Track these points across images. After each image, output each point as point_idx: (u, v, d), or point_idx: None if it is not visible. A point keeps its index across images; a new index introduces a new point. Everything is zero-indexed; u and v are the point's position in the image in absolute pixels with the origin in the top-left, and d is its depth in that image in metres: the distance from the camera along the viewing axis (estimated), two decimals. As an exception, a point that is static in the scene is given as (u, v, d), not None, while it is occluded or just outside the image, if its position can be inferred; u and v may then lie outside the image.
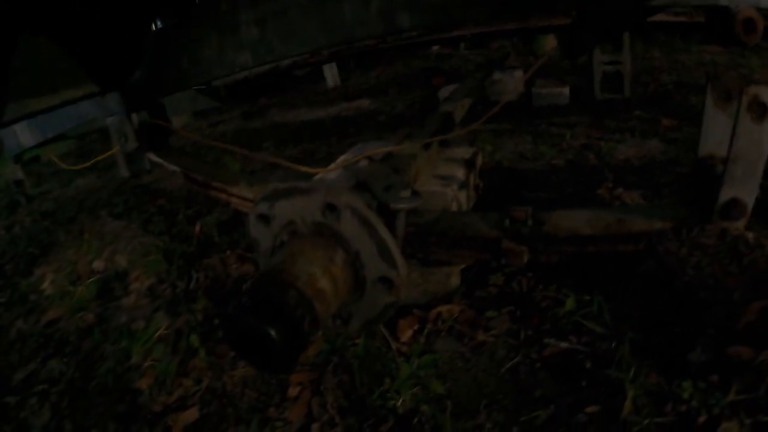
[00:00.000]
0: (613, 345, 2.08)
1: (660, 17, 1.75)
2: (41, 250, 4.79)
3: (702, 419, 1.74)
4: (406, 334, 2.35)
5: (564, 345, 2.14)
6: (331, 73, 9.55)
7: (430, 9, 1.91)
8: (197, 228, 4.19)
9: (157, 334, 2.90)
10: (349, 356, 2.31)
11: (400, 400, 2.03)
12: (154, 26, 2.77)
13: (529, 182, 3.83)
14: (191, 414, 2.33)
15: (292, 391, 2.26)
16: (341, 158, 2.56)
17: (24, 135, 4.09)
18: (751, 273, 2.32)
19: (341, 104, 7.98)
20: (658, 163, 3.81)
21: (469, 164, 2.65)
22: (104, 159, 8.01)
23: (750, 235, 2.59)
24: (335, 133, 6.37)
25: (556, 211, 1.78)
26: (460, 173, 2.51)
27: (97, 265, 4.04)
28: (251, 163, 5.56)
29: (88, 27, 2.36)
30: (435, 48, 9.96)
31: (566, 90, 5.88)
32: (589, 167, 3.95)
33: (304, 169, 2.27)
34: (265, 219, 1.53)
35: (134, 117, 2.84)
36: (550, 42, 8.22)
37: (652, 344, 2.07)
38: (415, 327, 2.39)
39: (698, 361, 1.95)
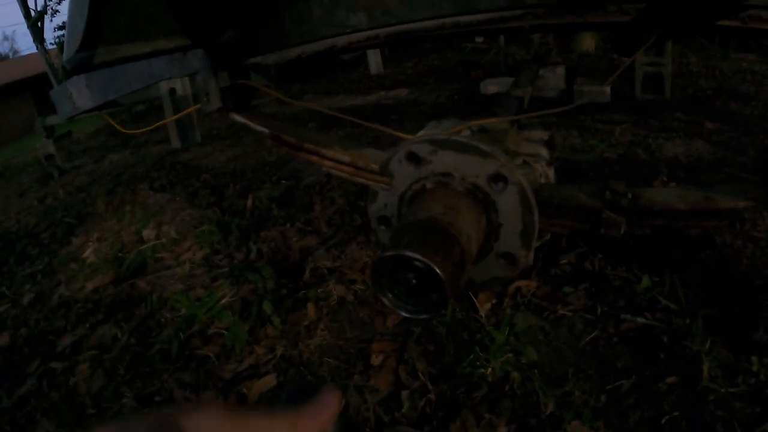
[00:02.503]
0: (686, 321, 2.19)
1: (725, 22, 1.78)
2: (78, 220, 4.88)
3: (768, 391, 1.85)
4: (485, 308, 2.44)
5: (640, 320, 2.24)
6: (374, 60, 9.60)
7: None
8: (249, 202, 4.26)
9: (222, 302, 2.91)
10: (435, 325, 2.39)
11: (490, 368, 2.11)
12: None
13: (584, 172, 3.92)
14: (269, 380, 2.32)
15: (375, 359, 2.31)
16: (422, 132, 2.61)
17: (82, 96, 3.80)
18: None
19: (379, 92, 8.05)
20: (706, 163, 3.89)
21: (549, 145, 2.72)
22: (136, 137, 8.15)
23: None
24: (378, 119, 6.42)
25: (649, 188, 1.85)
26: (543, 152, 2.59)
27: (146, 234, 4.10)
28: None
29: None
30: (477, 40, 10.02)
31: (607, 89, 5.91)
32: (640, 161, 4.04)
33: (404, 136, 2.30)
34: (415, 159, 1.57)
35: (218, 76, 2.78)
36: (588, 40, 8.28)
37: (719, 323, 2.17)
38: (493, 301, 2.48)
39: (762, 339, 2.07)
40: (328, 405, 0.63)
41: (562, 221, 1.85)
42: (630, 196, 1.75)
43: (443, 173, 1.52)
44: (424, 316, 1.30)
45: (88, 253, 4.05)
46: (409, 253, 1.19)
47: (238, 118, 2.74)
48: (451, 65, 9.19)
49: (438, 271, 1.18)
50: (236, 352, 2.53)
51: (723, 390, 1.87)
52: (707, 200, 1.78)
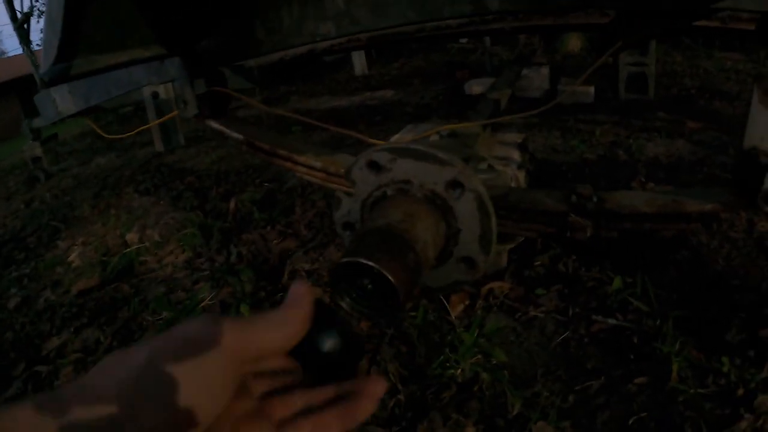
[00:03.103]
0: (657, 322, 2.20)
1: (704, 23, 1.81)
2: (65, 224, 4.87)
3: (740, 392, 1.87)
4: (458, 309, 2.45)
5: (611, 321, 2.26)
6: (359, 62, 9.61)
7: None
8: (232, 204, 4.27)
9: (202, 304, 2.92)
10: (407, 327, 2.40)
11: (460, 369, 2.12)
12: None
13: (563, 174, 3.94)
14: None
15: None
16: (396, 136, 2.63)
17: (64, 101, 3.97)
18: None
19: (365, 93, 8.05)
20: (686, 163, 3.91)
21: (522, 147, 2.75)
22: (122, 140, 8.14)
23: (775, 232, 2.72)
24: (362, 120, 6.45)
25: (616, 191, 1.87)
26: (515, 155, 2.61)
27: (130, 237, 4.10)
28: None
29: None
30: (461, 41, 10.05)
31: (591, 89, 5.96)
32: (620, 162, 4.06)
33: (374, 141, 2.32)
34: (376, 167, 1.58)
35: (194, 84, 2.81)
36: (574, 41, 8.30)
37: (691, 324, 2.19)
38: (467, 302, 2.49)
39: (734, 340, 2.09)
40: (302, 297, 0.68)
41: (529, 225, 1.87)
42: (596, 199, 1.77)
43: (403, 180, 1.53)
44: (381, 321, 1.31)
45: (74, 257, 4.04)
46: (363, 260, 1.20)
47: (214, 125, 2.76)
48: (437, 66, 9.22)
49: (390, 277, 1.19)
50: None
51: (692, 391, 1.89)
52: (674, 204, 1.80)
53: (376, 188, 1.61)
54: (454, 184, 1.48)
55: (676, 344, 2.03)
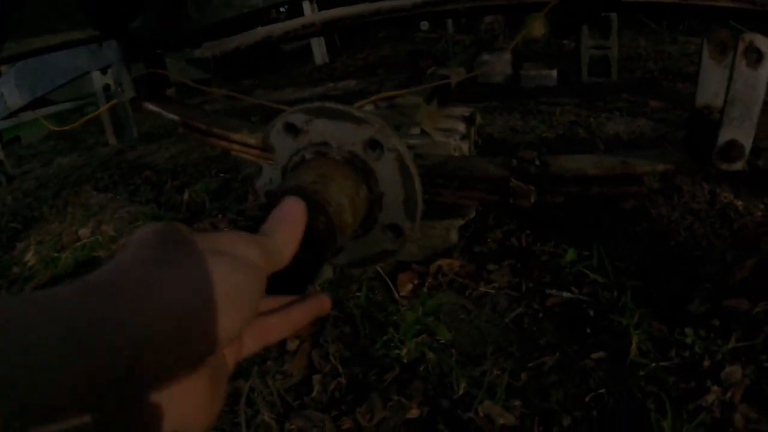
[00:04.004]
0: (615, 294, 2.11)
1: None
2: (24, 225, 4.74)
3: (706, 363, 1.77)
4: (406, 288, 2.35)
5: (566, 295, 2.16)
6: (319, 50, 9.51)
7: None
8: (186, 196, 4.19)
9: None
10: (351, 307, 2.29)
11: (405, 349, 2.02)
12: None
13: (527, 147, 3.84)
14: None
15: (291, 345, 2.22)
16: (360, 102, 2.55)
17: (12, 96, 3.93)
18: (741, 236, 2.38)
19: (328, 84, 7.96)
20: (647, 139, 3.85)
21: (468, 120, 2.65)
22: (87, 140, 7.99)
23: (739, 203, 2.65)
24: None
25: (562, 155, 1.79)
26: (461, 127, 2.52)
27: (84, 233, 4.00)
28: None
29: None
30: (423, 29, 10.00)
31: (554, 72, 5.91)
32: (579, 140, 3.99)
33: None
34: (293, 130, 1.49)
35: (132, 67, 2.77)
36: (537, 26, 8.27)
37: (651, 295, 2.10)
38: (415, 281, 2.39)
39: (698, 311, 1.99)
40: (293, 217, 0.74)
41: (470, 193, 1.78)
42: (538, 163, 1.68)
43: (320, 142, 1.43)
44: (290, 290, 1.21)
45: (29, 257, 3.94)
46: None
47: (151, 107, 2.70)
48: (402, 55, 9.12)
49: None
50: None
51: (654, 364, 1.79)
52: (623, 165, 1.72)
53: (294, 152, 1.52)
54: (372, 144, 1.38)
55: (635, 316, 1.94)
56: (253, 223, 1.03)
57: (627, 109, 4.59)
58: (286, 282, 0.74)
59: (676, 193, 2.78)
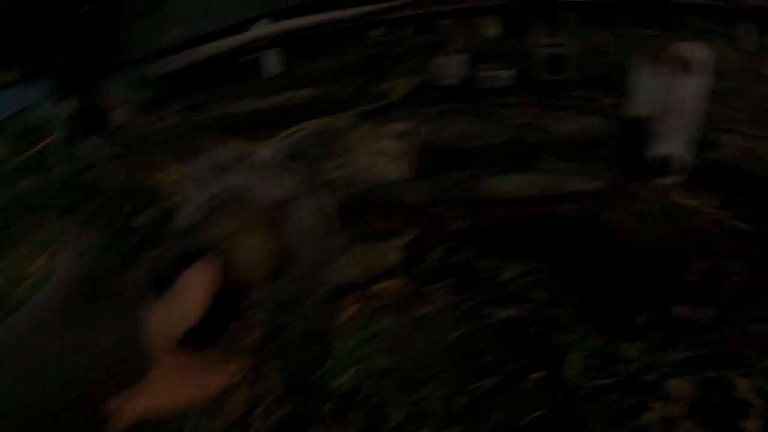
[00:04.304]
0: (556, 310, 2.08)
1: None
2: (-20, 255, 4.66)
3: (650, 378, 1.75)
4: (348, 313, 2.31)
5: (506, 313, 2.13)
6: (273, 61, 9.43)
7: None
8: (141, 219, 4.12)
9: None
10: (290, 338, 2.25)
11: (344, 378, 1.99)
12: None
13: (471, 160, 3.80)
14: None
15: (233, 378, 2.17)
16: (287, 131, 2.52)
17: None
18: (693, 237, 2.36)
19: (287, 93, 7.88)
20: (599, 137, 3.82)
21: (407, 136, 2.62)
22: (46, 158, 7.88)
23: (691, 202, 2.62)
24: (279, 122, 6.30)
25: (491, 177, 1.76)
26: (397, 146, 2.48)
27: (41, 263, 3.91)
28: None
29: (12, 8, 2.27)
30: (379, 33, 9.95)
31: (509, 72, 5.93)
32: (530, 143, 3.95)
33: (242, 145, 2.23)
34: (212, 173, 1.46)
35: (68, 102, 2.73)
36: (493, 26, 8.26)
37: (595, 308, 2.06)
38: (357, 305, 2.35)
39: (644, 321, 1.97)
40: (203, 279, 0.72)
41: (398, 220, 1.75)
42: (467, 187, 1.65)
43: (239, 188, 1.39)
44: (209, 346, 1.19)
45: (-13, 290, 3.85)
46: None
47: (91, 141, 2.66)
48: (363, 58, 9.08)
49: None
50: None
51: (594, 382, 1.77)
52: (554, 184, 1.70)
53: (212, 196, 1.49)
54: (288, 197, 1.35)
55: (575, 332, 1.91)
56: (163, 277, 1.00)
57: (581, 107, 4.61)
58: (195, 338, 0.73)
59: (628, 195, 2.77)
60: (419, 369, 2.00)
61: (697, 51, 1.63)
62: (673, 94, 1.66)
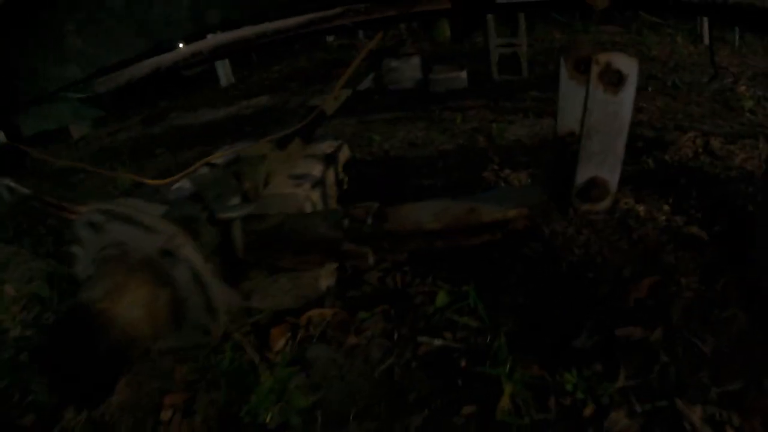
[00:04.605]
0: (488, 339, 1.98)
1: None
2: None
3: (588, 411, 1.65)
4: (279, 343, 2.21)
5: (438, 342, 2.03)
6: (224, 72, 9.34)
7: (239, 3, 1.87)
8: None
9: None
10: (219, 373, 2.15)
11: (269, 416, 1.89)
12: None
13: (415, 170, 3.74)
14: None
15: (165, 414, 2.07)
16: (194, 166, 2.44)
17: None
18: (642, 248, 2.26)
19: (241, 103, 7.80)
20: (549, 142, 3.75)
21: (329, 159, 2.53)
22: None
23: (640, 209, 2.54)
24: (232, 132, 6.20)
25: (402, 206, 1.66)
26: (316, 170, 2.39)
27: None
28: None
29: None
30: (330, 39, 9.91)
31: (463, 74, 5.89)
32: (477, 150, 3.91)
33: (149, 181, 2.13)
34: (94, 227, 1.38)
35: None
36: (445, 27, 8.24)
37: (534, 334, 1.97)
38: (288, 335, 2.25)
39: (584, 346, 1.86)
40: None
41: (306, 257, 1.65)
42: (371, 221, 1.55)
43: (119, 243, 1.31)
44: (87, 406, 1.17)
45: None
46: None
47: (8, 183, 2.58)
48: (317, 65, 9.02)
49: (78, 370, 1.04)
50: (48, 417, 2.22)
51: (528, 419, 1.67)
52: (470, 213, 1.60)
53: (99, 249, 1.41)
54: (165, 253, 1.26)
55: (508, 363, 1.81)
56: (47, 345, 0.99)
57: (534, 108, 4.56)
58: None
59: (514, 231, 2.68)
60: (347, 403, 1.90)
61: (625, 62, 1.54)
62: (601, 113, 1.56)
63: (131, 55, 1.99)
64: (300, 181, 2.23)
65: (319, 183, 2.34)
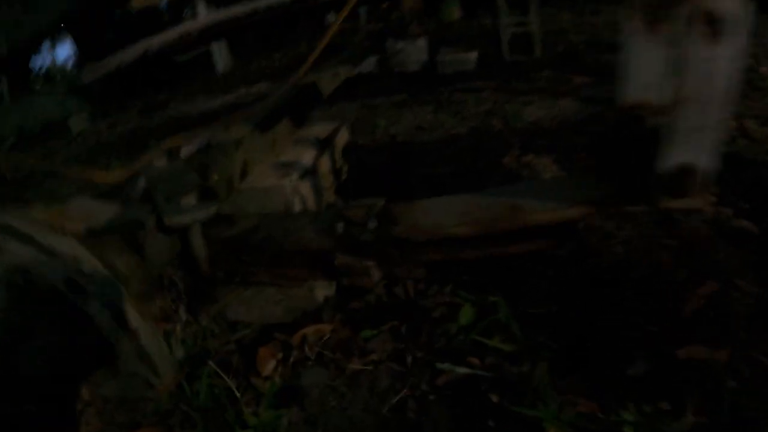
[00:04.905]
0: (525, 367, 1.58)
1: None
2: None
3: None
4: (268, 367, 1.83)
5: (462, 371, 1.63)
6: (221, 57, 9.06)
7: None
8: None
9: None
10: (199, 404, 1.78)
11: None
12: None
13: (424, 156, 3.45)
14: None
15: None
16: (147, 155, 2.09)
17: None
18: (692, 245, 1.84)
19: (240, 90, 7.55)
20: (571, 124, 3.46)
21: (323, 144, 2.14)
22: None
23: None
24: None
25: (414, 203, 1.26)
26: (307, 157, 2.00)
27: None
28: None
29: None
30: (331, 21, 9.63)
31: (473, 55, 5.62)
32: (493, 134, 3.59)
33: (103, 179, 1.77)
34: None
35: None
36: (454, 9, 8.04)
37: (578, 357, 1.59)
38: (279, 356, 1.87)
39: (640, 374, 1.48)
40: None
41: (286, 271, 1.27)
42: (374, 224, 1.16)
43: (20, 268, 0.94)
44: None
45: None
46: None
47: None
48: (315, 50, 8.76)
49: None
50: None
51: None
52: (513, 213, 1.20)
53: (4, 271, 1.04)
54: (70, 284, 0.89)
55: (552, 399, 1.44)
56: None
57: (549, 88, 4.25)
58: None
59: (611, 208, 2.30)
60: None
61: (726, 2, 1.13)
62: (696, 70, 1.16)
63: (55, 18, 1.69)
64: (286, 171, 1.83)
65: (310, 173, 1.94)
